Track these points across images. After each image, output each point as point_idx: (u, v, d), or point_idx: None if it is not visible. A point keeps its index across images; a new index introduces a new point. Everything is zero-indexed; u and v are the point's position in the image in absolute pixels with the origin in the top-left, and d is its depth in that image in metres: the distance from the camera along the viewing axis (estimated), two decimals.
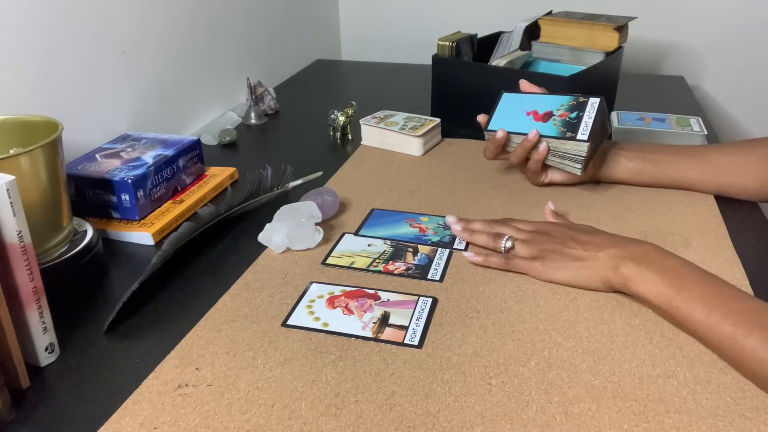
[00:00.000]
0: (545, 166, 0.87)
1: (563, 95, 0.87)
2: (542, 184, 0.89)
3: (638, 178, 0.87)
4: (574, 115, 0.83)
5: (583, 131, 0.80)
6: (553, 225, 0.72)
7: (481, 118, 0.89)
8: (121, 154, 0.85)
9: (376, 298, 0.66)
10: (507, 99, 0.90)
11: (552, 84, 1.02)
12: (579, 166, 0.82)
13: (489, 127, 0.87)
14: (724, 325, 0.54)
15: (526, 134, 0.82)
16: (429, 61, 1.16)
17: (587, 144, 0.79)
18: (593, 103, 0.83)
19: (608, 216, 0.81)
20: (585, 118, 0.81)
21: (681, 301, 0.57)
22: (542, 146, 0.82)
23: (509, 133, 0.84)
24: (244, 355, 0.58)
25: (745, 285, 0.66)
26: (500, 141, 0.85)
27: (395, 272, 0.70)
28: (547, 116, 0.85)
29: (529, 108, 0.87)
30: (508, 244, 0.70)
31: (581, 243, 0.67)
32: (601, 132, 0.83)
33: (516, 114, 0.87)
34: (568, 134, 0.81)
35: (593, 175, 0.88)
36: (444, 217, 0.82)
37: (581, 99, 0.85)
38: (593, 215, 0.81)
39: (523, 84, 0.91)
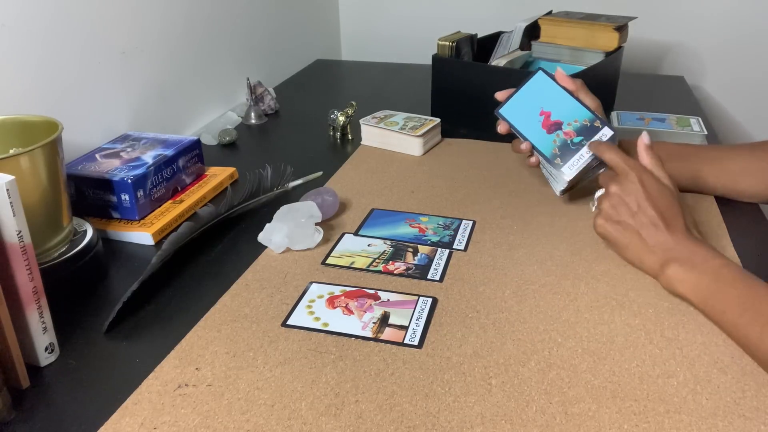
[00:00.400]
0: None
1: (585, 108, 0.80)
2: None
3: None
4: (578, 140, 0.78)
5: (572, 165, 0.78)
6: (632, 174, 0.70)
7: (500, 95, 0.86)
8: (121, 154, 0.85)
9: (376, 298, 0.66)
10: (537, 81, 0.84)
11: None
12: (560, 188, 0.82)
13: (500, 110, 0.84)
14: (754, 326, 0.56)
15: (524, 137, 0.82)
16: (429, 61, 1.16)
17: (567, 179, 0.78)
18: (603, 135, 0.78)
19: None
20: (583, 152, 0.77)
21: (716, 300, 0.60)
22: (533, 159, 0.83)
23: (513, 125, 0.83)
24: (244, 355, 0.58)
25: None
26: (502, 133, 0.85)
27: (395, 272, 0.70)
28: (555, 127, 0.80)
29: (546, 106, 0.82)
30: (594, 207, 0.74)
31: (643, 224, 0.68)
32: (597, 168, 0.79)
33: (531, 106, 0.82)
34: (557, 160, 0.79)
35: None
36: (444, 217, 0.82)
37: (597, 124, 0.78)
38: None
39: (559, 73, 0.84)
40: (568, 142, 0.79)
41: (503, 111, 0.84)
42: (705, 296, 0.61)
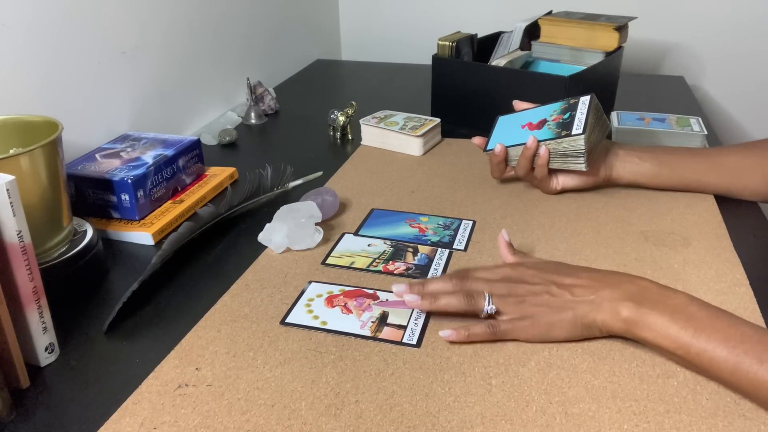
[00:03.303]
0: (553, 172, 0.85)
1: (555, 102, 0.88)
2: (555, 192, 0.86)
3: (652, 181, 0.85)
4: (567, 116, 0.83)
5: (577, 126, 0.80)
6: (522, 269, 0.62)
7: (477, 140, 0.91)
8: (121, 154, 0.85)
9: (375, 297, 0.66)
10: (502, 121, 0.92)
11: (552, 84, 1.03)
12: (582, 160, 0.80)
13: (488, 148, 0.88)
14: (746, 358, 0.49)
15: (524, 143, 0.83)
16: (429, 61, 1.16)
17: (583, 136, 0.79)
18: (584, 101, 0.84)
19: (608, 216, 0.81)
20: (578, 115, 0.82)
21: (702, 344, 0.51)
22: (542, 150, 0.82)
23: (507, 147, 0.85)
24: (244, 355, 0.58)
25: (744, 285, 0.66)
26: (500, 156, 0.85)
27: (395, 272, 0.70)
28: (542, 123, 0.85)
29: (523, 122, 0.88)
30: (491, 308, 0.59)
31: (566, 287, 0.58)
32: (599, 126, 0.83)
33: (511, 130, 0.89)
34: (563, 132, 0.81)
35: (606, 178, 0.86)
36: (444, 217, 0.82)
37: (572, 101, 0.86)
38: (593, 215, 0.81)
39: (516, 103, 0.93)
40: (560, 121, 0.84)
41: (491, 146, 0.88)
42: (686, 342, 0.52)
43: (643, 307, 0.54)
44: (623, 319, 0.55)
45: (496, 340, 0.58)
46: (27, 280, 0.54)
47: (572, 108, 0.84)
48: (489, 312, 0.59)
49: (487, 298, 0.59)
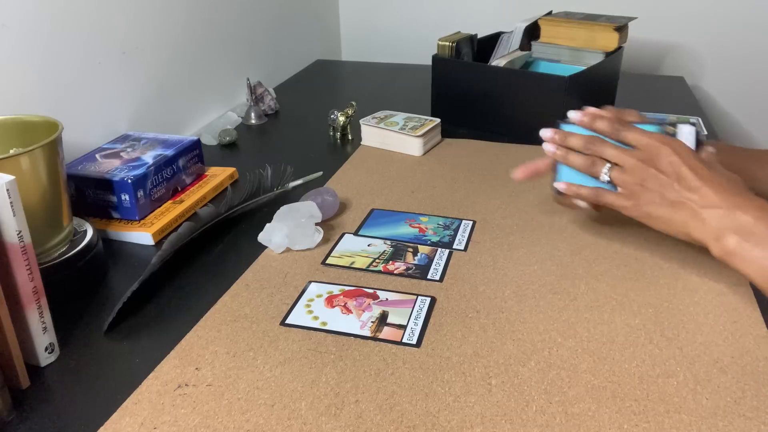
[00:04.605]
0: None
1: (646, 123, 0.66)
2: None
3: None
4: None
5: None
6: (667, 148, 0.60)
7: (521, 173, 0.73)
8: (121, 154, 0.85)
9: (375, 297, 0.66)
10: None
11: (552, 84, 1.02)
12: None
13: (557, 178, 0.70)
14: None
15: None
16: (429, 61, 1.16)
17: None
18: (686, 133, 0.65)
19: (608, 216, 0.81)
20: (685, 134, 0.65)
21: None
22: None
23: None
24: (244, 355, 0.58)
25: (745, 285, 0.66)
26: (566, 200, 0.71)
27: (395, 272, 0.70)
28: None
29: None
30: (605, 176, 0.62)
31: (689, 189, 0.58)
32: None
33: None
34: None
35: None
36: (444, 217, 0.82)
37: (669, 129, 0.65)
38: (593, 215, 0.81)
39: (587, 112, 0.68)
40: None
41: (559, 176, 0.70)
42: None
43: (747, 241, 0.55)
44: (724, 248, 0.56)
45: (596, 203, 0.64)
46: (27, 280, 0.54)
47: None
48: (603, 182, 0.62)
49: (605, 169, 0.62)
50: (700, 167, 0.60)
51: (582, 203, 0.68)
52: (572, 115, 0.67)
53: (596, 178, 0.64)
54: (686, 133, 0.65)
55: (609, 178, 0.62)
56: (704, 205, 0.58)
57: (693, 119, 1.04)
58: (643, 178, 0.61)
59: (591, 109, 0.67)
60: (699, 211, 0.58)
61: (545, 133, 0.68)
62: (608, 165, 0.63)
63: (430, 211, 0.84)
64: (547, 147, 0.68)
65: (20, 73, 0.80)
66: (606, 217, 0.81)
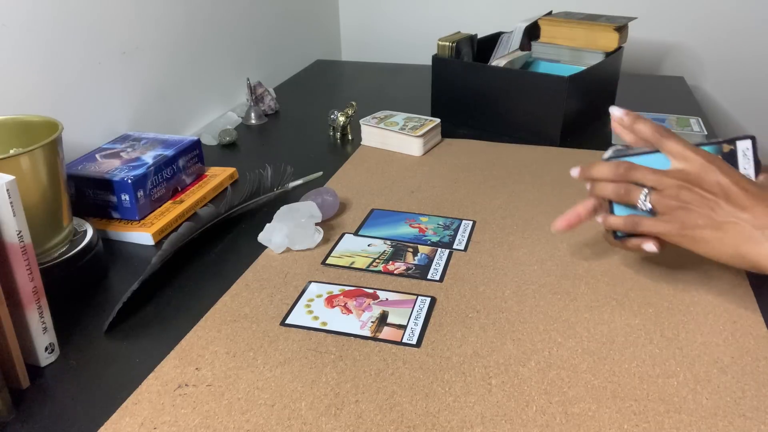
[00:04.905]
0: None
1: (699, 143, 0.60)
2: None
3: None
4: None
5: (744, 168, 0.59)
6: (712, 167, 0.55)
7: (563, 224, 0.65)
8: (121, 154, 0.85)
9: (375, 297, 0.66)
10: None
11: (552, 84, 1.02)
12: None
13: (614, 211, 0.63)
14: None
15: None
16: (429, 61, 1.16)
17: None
18: (743, 149, 0.60)
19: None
20: (741, 160, 0.60)
21: None
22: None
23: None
24: (244, 355, 0.58)
25: (744, 285, 0.66)
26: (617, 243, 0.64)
27: (395, 272, 0.70)
28: None
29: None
30: (647, 205, 0.55)
31: (741, 208, 0.54)
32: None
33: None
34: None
35: None
36: (444, 217, 0.82)
37: (726, 148, 0.60)
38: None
39: (620, 117, 0.62)
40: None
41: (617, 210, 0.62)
42: None
43: None
44: (761, 253, 0.53)
45: (633, 233, 0.58)
46: (27, 280, 0.54)
47: (728, 158, 0.59)
48: (644, 210, 0.56)
49: (642, 195, 0.56)
50: (749, 186, 0.56)
51: (649, 245, 0.59)
52: (614, 111, 0.61)
53: (633, 206, 0.58)
54: (744, 148, 0.60)
55: (651, 205, 0.56)
56: (760, 225, 0.54)
57: (693, 119, 1.04)
58: (686, 200, 0.56)
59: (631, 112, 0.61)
60: (754, 232, 0.54)
61: (574, 171, 0.62)
62: (645, 190, 0.57)
63: (430, 211, 0.84)
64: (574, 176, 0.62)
65: (20, 73, 0.80)
66: None
